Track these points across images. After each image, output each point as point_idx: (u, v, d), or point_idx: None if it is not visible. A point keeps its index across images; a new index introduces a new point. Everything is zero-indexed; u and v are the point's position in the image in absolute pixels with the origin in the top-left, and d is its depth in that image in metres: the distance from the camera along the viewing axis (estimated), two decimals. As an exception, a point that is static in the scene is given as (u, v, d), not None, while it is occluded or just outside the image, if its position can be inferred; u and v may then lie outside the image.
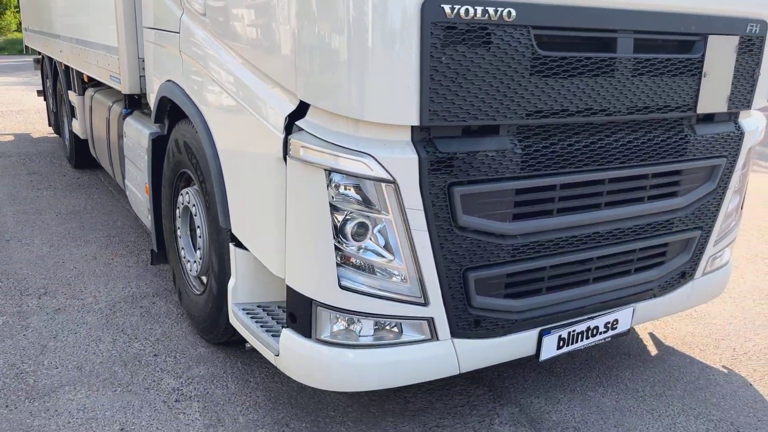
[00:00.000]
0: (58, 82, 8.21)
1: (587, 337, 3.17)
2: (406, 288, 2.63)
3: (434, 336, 2.74)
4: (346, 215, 2.50)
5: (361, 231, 2.53)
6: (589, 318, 3.14)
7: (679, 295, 3.50)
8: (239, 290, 3.13)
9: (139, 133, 4.43)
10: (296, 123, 2.54)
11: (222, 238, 3.22)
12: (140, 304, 4.23)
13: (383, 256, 2.58)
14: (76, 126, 7.14)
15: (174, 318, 4.03)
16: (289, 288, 2.69)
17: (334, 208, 2.48)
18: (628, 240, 3.15)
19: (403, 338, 2.72)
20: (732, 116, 3.37)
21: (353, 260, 2.56)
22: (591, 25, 2.69)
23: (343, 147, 2.41)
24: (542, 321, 3.00)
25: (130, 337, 3.77)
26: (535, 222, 2.82)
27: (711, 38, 3.00)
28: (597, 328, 3.18)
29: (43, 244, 5.36)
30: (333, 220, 2.49)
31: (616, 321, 3.25)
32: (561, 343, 3.08)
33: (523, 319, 2.93)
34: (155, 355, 3.57)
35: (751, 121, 3.50)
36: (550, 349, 3.05)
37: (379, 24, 2.30)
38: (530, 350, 3.02)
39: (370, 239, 2.56)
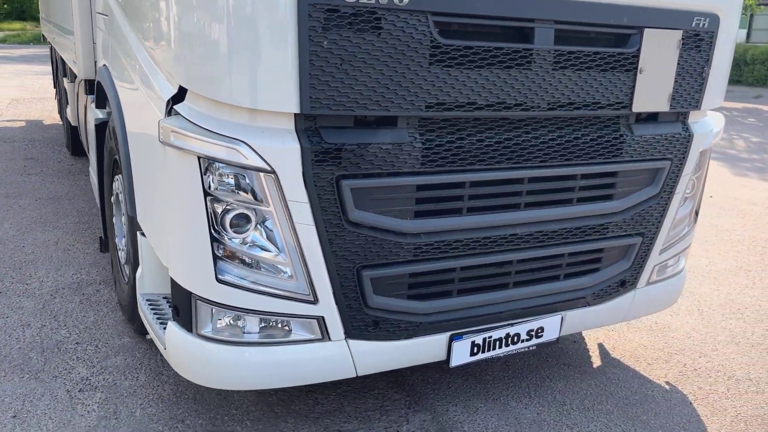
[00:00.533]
0: (59, 69, 8.30)
1: (507, 345, 3.01)
2: (293, 285, 2.50)
3: (326, 336, 2.61)
4: (225, 206, 2.39)
5: (243, 223, 2.42)
6: (508, 324, 2.98)
7: (618, 305, 3.30)
8: (145, 280, 3.05)
9: (93, 119, 4.39)
10: (174, 107, 2.45)
11: (134, 227, 3.14)
12: (84, 291, 4.19)
13: (268, 251, 2.46)
14: (69, 113, 7.18)
15: (111, 307, 3.98)
16: (171, 279, 2.59)
17: (213, 198, 2.37)
18: (554, 244, 2.97)
19: (293, 337, 2.60)
20: (680, 116, 3.16)
21: (236, 253, 2.45)
22: (503, 12, 2.51)
23: (216, 133, 2.29)
24: (454, 325, 2.85)
25: (59, 324, 3.73)
26: (440, 221, 2.66)
27: (647, 32, 2.80)
28: (518, 335, 3.02)
29: (11, 227, 5.38)
30: (210, 210, 2.38)
31: (541, 329, 3.07)
32: (475, 350, 2.92)
33: (429, 322, 2.78)
34: (77, 343, 3.52)
35: (704, 122, 3.28)
36: (462, 355, 2.90)
37: (254, 4, 2.18)
38: (440, 355, 2.87)
39: (256, 232, 2.45)
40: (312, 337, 2.60)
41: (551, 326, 3.09)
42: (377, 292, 2.64)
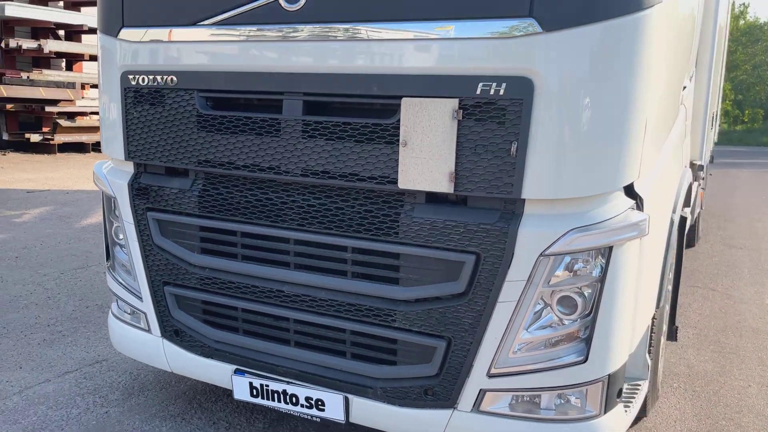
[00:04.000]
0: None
1: (286, 402, 3.07)
2: (133, 283, 3.48)
3: (149, 329, 3.44)
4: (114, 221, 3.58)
5: (118, 231, 3.56)
6: (287, 382, 3.06)
7: (424, 419, 2.80)
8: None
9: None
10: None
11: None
12: None
13: (125, 255, 3.53)
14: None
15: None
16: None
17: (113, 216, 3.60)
18: (328, 314, 2.93)
19: (132, 321, 3.54)
20: (508, 204, 2.56)
21: (116, 255, 3.59)
22: (255, 87, 2.93)
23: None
24: (239, 361, 3.18)
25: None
26: (218, 260, 3.15)
27: (405, 101, 2.59)
28: (296, 397, 3.05)
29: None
30: (108, 226, 3.61)
31: (321, 402, 2.99)
32: (254, 392, 3.13)
33: (216, 348, 3.23)
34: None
35: (560, 215, 2.53)
36: (243, 391, 3.15)
37: (104, 89, 3.38)
38: (227, 383, 3.22)
39: (123, 240, 3.55)
40: (142, 326, 3.49)
41: (333, 404, 2.96)
42: (181, 308, 3.32)
